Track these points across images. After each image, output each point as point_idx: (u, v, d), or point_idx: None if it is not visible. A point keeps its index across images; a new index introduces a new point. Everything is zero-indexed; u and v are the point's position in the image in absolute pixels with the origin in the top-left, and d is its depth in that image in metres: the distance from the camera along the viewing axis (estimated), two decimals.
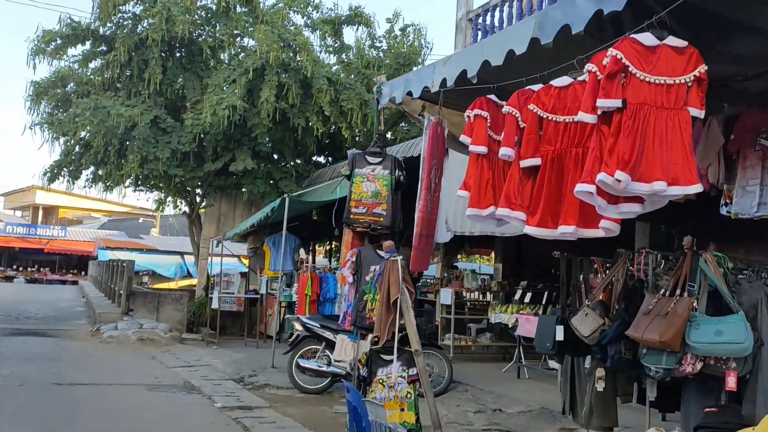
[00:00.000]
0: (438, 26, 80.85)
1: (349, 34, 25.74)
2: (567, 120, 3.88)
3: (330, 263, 15.78)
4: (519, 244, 14.52)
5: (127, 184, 17.43)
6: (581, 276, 5.80)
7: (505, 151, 4.06)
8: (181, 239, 35.36)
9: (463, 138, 4.52)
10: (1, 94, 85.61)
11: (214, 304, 13.66)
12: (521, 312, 10.30)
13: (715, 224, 7.09)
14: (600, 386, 5.34)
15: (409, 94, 5.70)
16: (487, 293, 13.17)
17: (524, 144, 4.01)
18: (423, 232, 5.14)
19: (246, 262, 17.68)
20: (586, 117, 3.42)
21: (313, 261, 16.67)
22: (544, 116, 3.97)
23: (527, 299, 10.69)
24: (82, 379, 9.10)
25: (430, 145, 5.16)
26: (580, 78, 3.88)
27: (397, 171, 6.24)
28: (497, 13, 13.17)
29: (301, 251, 13.72)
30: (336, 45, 17.84)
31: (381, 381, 6.01)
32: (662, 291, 4.68)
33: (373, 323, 6.04)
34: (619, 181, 3.28)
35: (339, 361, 8.82)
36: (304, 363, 9.00)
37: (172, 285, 27.77)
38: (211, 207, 17.06)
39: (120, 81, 16.11)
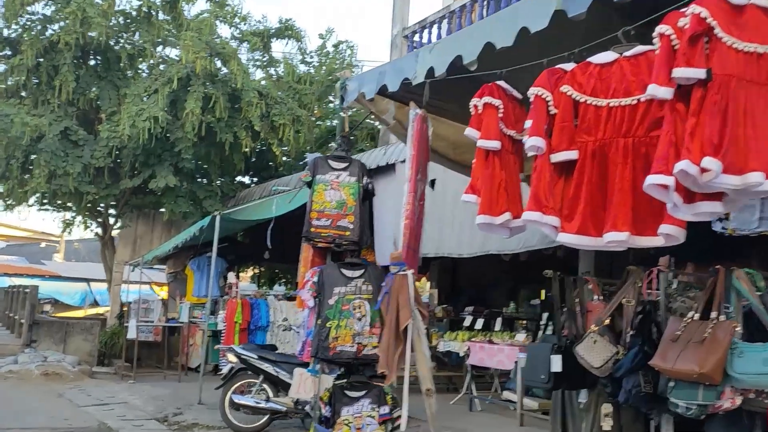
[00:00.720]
0: (370, 43, 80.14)
1: (278, 49, 24.85)
2: (612, 104, 3.18)
3: (258, 288, 14.65)
4: (455, 269, 13.95)
5: (31, 202, 15.76)
6: (576, 298, 5.11)
7: (534, 142, 3.28)
8: (87, 265, 33.19)
9: (470, 131, 3.75)
10: None
11: (131, 334, 12.29)
12: (473, 339, 9.60)
13: (689, 241, 6.66)
14: (607, 425, 4.64)
15: (383, 89, 4.95)
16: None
17: (556, 134, 3.28)
18: (411, 244, 4.31)
19: (158, 289, 16.28)
20: (659, 91, 2.71)
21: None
22: (582, 100, 3.26)
23: (478, 325, 10.03)
24: None
25: (417, 141, 4.36)
26: (627, 53, 3.21)
27: (365, 178, 5.43)
28: (434, 30, 12.81)
29: (230, 275, 12.55)
30: (265, 59, 16.89)
31: (346, 422, 5.16)
32: (692, 314, 4.05)
33: (338, 354, 5.16)
34: (705, 170, 2.58)
35: (278, 397, 7.94)
36: (239, 399, 7.96)
37: (78, 314, 25.75)
38: (126, 228, 15.65)
39: (26, 88, 14.57)
